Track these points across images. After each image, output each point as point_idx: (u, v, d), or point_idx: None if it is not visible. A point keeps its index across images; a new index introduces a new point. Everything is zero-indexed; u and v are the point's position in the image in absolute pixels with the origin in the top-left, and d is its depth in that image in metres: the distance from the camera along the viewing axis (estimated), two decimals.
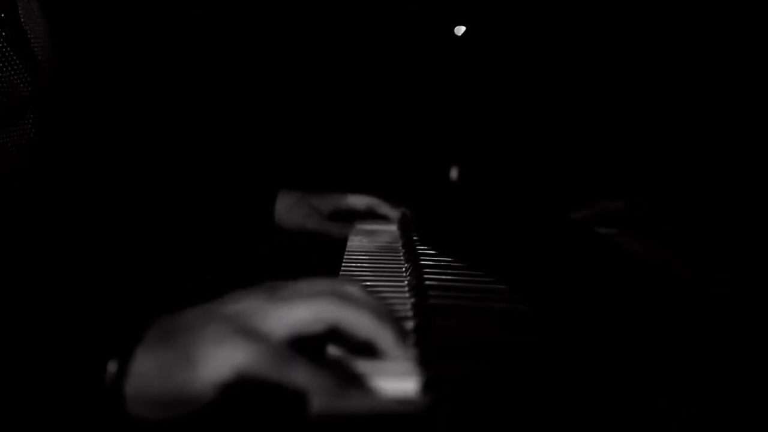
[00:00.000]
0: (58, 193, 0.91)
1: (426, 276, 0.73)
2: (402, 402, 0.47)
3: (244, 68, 1.28)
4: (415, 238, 0.91)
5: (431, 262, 0.80)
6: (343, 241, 0.96)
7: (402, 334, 0.52)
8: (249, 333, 0.48)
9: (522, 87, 1.28)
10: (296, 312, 0.50)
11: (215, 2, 1.23)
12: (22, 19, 0.83)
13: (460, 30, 1.28)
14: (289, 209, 1.05)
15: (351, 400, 0.46)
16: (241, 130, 1.30)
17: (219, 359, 0.47)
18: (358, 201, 1.07)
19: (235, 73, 1.28)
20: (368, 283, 0.73)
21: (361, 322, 0.51)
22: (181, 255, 1.06)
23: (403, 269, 0.79)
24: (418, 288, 0.69)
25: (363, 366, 0.51)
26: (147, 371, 0.48)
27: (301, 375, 0.47)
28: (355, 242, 0.95)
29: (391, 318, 0.53)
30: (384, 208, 1.07)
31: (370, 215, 1.07)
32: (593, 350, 0.56)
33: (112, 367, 0.48)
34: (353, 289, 0.53)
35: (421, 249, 0.86)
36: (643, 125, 1.21)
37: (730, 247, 0.91)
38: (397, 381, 0.49)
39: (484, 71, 1.29)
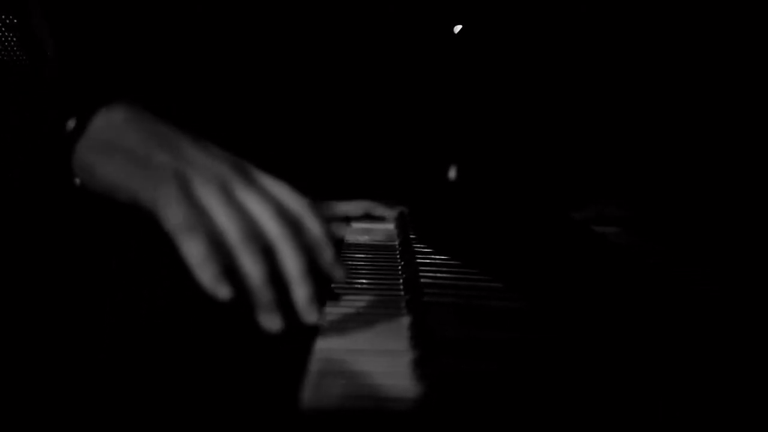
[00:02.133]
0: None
1: (422, 274, 0.73)
2: (395, 398, 0.46)
3: (242, 64, 1.27)
4: (412, 236, 0.91)
5: (427, 261, 0.80)
6: (339, 241, 0.95)
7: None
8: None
9: (521, 85, 1.27)
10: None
11: (204, 9, 1.23)
12: (32, 23, 0.84)
13: (458, 28, 1.28)
14: None
15: (342, 396, 0.46)
16: (237, 125, 1.29)
17: (160, 194, 0.49)
18: (353, 208, 1.05)
19: (231, 72, 1.27)
20: (364, 281, 0.73)
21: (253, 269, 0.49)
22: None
23: (399, 267, 0.79)
24: (413, 285, 0.68)
25: (356, 362, 0.50)
26: (100, 137, 0.52)
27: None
28: (351, 241, 0.94)
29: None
30: (380, 210, 1.06)
31: (367, 216, 1.07)
32: (589, 348, 0.55)
33: (71, 123, 0.52)
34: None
35: (418, 247, 0.85)
36: (645, 123, 1.21)
37: (728, 246, 0.90)
38: (390, 377, 0.48)
39: (483, 69, 1.29)
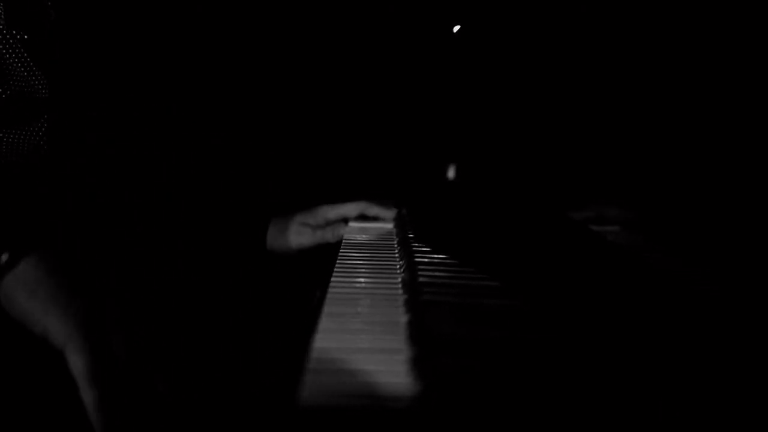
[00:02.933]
0: (60, 191, 0.92)
1: (420, 273, 0.73)
2: (393, 397, 0.46)
3: (242, 65, 1.27)
4: (410, 235, 0.90)
5: (426, 260, 0.79)
6: (339, 243, 0.95)
7: None
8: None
9: (520, 85, 1.27)
10: None
11: (199, 23, 1.22)
12: (43, 36, 0.85)
13: (457, 28, 1.28)
14: (277, 235, 1.04)
15: (340, 394, 0.46)
16: (237, 126, 1.29)
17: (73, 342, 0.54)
18: (349, 209, 1.05)
19: (231, 72, 1.27)
20: (362, 280, 0.72)
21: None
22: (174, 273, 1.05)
23: (398, 266, 0.79)
24: (411, 285, 0.68)
25: (354, 360, 0.50)
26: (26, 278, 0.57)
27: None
28: (350, 241, 0.94)
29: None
30: (375, 210, 1.05)
31: (363, 217, 1.06)
32: (587, 347, 0.55)
33: (4, 257, 0.59)
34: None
35: (416, 246, 0.85)
36: (645, 123, 1.20)
37: (728, 246, 0.90)
38: (388, 375, 0.48)
39: (482, 69, 1.29)
